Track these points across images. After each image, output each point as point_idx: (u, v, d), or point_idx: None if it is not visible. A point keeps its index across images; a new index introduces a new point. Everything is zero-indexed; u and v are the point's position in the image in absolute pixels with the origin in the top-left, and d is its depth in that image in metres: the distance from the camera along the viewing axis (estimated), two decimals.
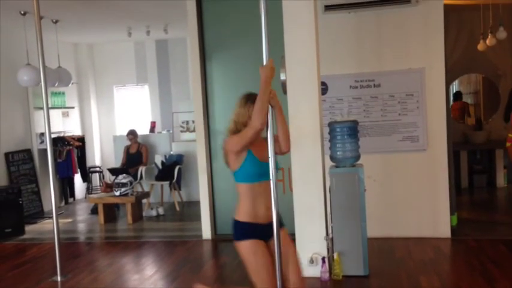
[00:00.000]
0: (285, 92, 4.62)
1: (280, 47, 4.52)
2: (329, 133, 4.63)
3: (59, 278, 4.84)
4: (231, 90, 6.17)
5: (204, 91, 6.15)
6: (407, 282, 4.28)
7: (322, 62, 4.68)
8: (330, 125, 4.65)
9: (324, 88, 5.59)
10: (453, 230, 5.56)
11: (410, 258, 4.91)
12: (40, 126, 8.15)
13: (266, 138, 2.76)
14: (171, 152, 8.83)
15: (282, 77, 4.89)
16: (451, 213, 5.59)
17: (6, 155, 7.74)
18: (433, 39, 5.44)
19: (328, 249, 4.45)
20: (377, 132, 5.65)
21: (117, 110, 10.21)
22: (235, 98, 6.10)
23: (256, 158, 2.77)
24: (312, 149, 4.43)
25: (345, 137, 4.49)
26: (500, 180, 8.31)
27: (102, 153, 10.18)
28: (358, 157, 4.55)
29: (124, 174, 7.60)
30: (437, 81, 5.47)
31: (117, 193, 7.35)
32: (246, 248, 2.76)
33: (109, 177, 8.61)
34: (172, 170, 8.19)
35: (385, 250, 5.16)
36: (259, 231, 2.76)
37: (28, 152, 8.22)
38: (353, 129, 4.54)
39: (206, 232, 6.11)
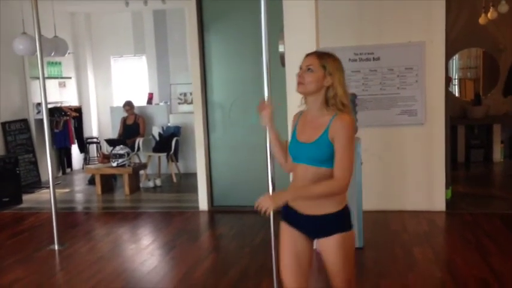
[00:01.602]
0: (283, 64, 4.58)
1: (279, 19, 4.46)
2: None
3: (56, 247, 4.89)
4: (229, 62, 6.12)
5: (202, 63, 6.09)
6: (402, 254, 4.34)
7: (321, 35, 4.62)
8: None
9: None
10: (448, 203, 5.61)
11: (405, 231, 4.97)
12: (37, 96, 8.09)
13: (316, 118, 2.32)
14: (169, 124, 8.80)
15: (281, 49, 4.85)
16: (446, 187, 5.63)
17: (3, 124, 7.71)
18: (434, 12, 5.37)
19: None
20: (375, 105, 5.63)
21: (114, 81, 10.13)
22: (233, 69, 6.16)
23: (296, 137, 2.37)
24: None
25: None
26: (497, 155, 8.35)
27: (99, 124, 10.14)
28: (355, 130, 4.53)
29: (121, 146, 7.60)
30: (438, 55, 5.43)
31: (114, 164, 7.37)
32: (280, 227, 2.46)
33: (106, 148, 8.61)
34: (170, 142, 8.19)
35: (381, 223, 5.21)
36: (296, 219, 2.36)
37: (25, 121, 8.19)
38: (351, 102, 4.51)
39: (203, 203, 6.15)
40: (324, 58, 2.31)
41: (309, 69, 2.29)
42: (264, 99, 2.61)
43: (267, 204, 2.23)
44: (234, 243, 4.94)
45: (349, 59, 5.61)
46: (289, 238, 2.39)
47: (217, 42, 6.10)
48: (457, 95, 8.88)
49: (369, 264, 4.15)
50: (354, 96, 4.59)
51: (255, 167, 5.77)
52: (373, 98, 5.63)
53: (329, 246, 2.32)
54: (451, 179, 5.98)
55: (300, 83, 2.31)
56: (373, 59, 5.61)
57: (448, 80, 8.90)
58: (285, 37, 4.45)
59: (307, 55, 2.37)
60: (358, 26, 5.59)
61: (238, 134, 6.07)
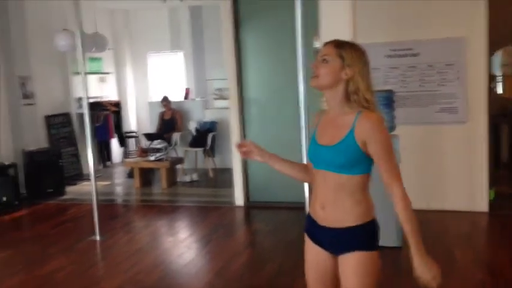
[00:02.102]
0: None
1: (315, 15, 4.44)
2: None
3: (97, 238, 5.04)
4: (265, 58, 6.14)
5: (238, 59, 6.13)
6: (441, 255, 4.24)
7: (357, 30, 4.57)
8: None
9: None
10: (491, 204, 5.45)
11: (446, 231, 4.87)
12: (78, 91, 8.31)
13: (337, 117, 1.99)
14: (205, 119, 8.90)
15: (316, 45, 4.84)
16: (489, 188, 5.48)
17: (47, 118, 7.96)
18: (476, 7, 5.22)
19: None
20: (414, 103, 5.53)
21: (151, 76, 10.31)
22: (268, 66, 6.17)
23: (316, 139, 2.06)
24: None
25: (379, 107, 4.42)
26: None
27: (137, 118, 10.35)
28: (393, 128, 4.48)
29: (159, 140, 7.74)
30: (479, 51, 5.28)
31: (152, 158, 7.51)
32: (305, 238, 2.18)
33: (144, 142, 8.79)
34: (206, 137, 8.28)
35: (420, 223, 5.12)
36: (315, 231, 2.09)
37: (67, 115, 8.44)
38: (388, 99, 4.47)
39: (239, 199, 6.20)
40: (342, 47, 1.97)
41: (324, 59, 1.96)
42: (239, 142, 2.23)
43: (432, 274, 1.99)
44: (270, 239, 4.97)
45: (387, 56, 5.53)
46: (311, 254, 2.13)
47: (253, 38, 6.12)
48: (499, 92, 8.60)
49: (407, 265, 4.09)
50: (391, 92, 4.53)
51: None
52: (412, 95, 5.53)
53: (346, 265, 2.00)
54: (494, 179, 5.81)
55: (314, 76, 1.99)
56: (412, 55, 5.50)
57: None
58: (321, 33, 4.43)
59: (325, 44, 2.03)
60: (395, 21, 5.49)
61: (274, 130, 6.08)
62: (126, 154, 9.73)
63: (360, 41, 4.86)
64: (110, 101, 9.42)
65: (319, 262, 2.10)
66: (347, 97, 1.96)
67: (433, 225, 5.07)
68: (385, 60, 5.54)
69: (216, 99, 9.23)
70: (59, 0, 7.50)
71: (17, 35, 7.34)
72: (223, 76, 7.73)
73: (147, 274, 4.12)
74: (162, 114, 8.79)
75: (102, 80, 9.59)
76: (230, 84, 6.20)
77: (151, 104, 9.51)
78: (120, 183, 8.08)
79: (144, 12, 9.92)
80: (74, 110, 8.56)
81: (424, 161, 5.52)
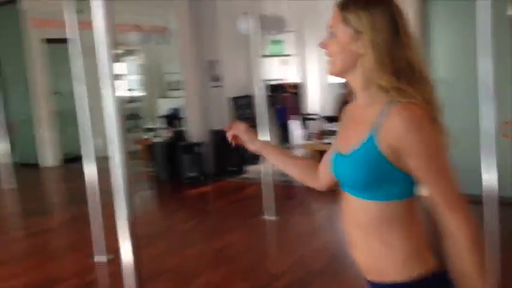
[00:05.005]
0: None
1: None
2: None
3: (271, 217, 5.12)
4: (454, 31, 5.46)
5: (424, 34, 5.57)
6: None
7: None
8: None
9: None
10: None
11: None
12: (261, 73, 8.59)
13: (359, 111, 1.37)
14: None
15: (510, 12, 4.15)
16: None
17: (234, 99, 8.41)
18: None
19: None
20: None
21: None
22: (458, 40, 5.46)
23: (336, 146, 1.46)
24: None
25: None
26: None
27: (317, 100, 10.33)
28: None
29: (336, 123, 7.60)
30: None
31: (329, 141, 7.40)
32: None
33: (323, 125, 8.72)
34: None
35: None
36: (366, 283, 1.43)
37: (250, 97, 8.80)
38: None
39: None
40: (347, 7, 1.30)
41: (331, 32, 1.33)
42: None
43: None
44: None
45: None
46: None
47: (440, 10, 5.48)
48: None
49: None
50: None
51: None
52: None
53: None
54: None
55: (329, 61, 1.35)
56: None
57: None
58: None
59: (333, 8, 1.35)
60: None
61: (465, 116, 5.40)
62: (305, 136, 9.81)
63: None
64: (290, 83, 9.58)
65: None
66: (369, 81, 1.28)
67: None
68: None
69: None
70: None
71: (207, 21, 7.86)
72: None
73: (315, 258, 4.05)
74: (341, 97, 8.60)
75: (283, 62, 9.78)
76: None
77: (331, 85, 9.39)
78: None
79: None
80: (256, 92, 8.87)
81: None
